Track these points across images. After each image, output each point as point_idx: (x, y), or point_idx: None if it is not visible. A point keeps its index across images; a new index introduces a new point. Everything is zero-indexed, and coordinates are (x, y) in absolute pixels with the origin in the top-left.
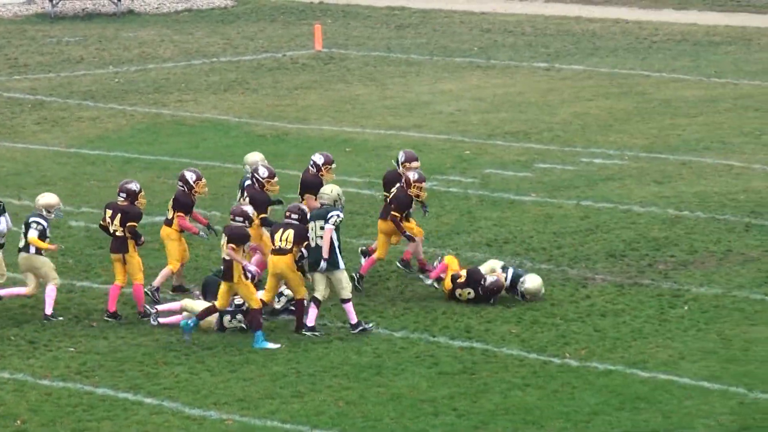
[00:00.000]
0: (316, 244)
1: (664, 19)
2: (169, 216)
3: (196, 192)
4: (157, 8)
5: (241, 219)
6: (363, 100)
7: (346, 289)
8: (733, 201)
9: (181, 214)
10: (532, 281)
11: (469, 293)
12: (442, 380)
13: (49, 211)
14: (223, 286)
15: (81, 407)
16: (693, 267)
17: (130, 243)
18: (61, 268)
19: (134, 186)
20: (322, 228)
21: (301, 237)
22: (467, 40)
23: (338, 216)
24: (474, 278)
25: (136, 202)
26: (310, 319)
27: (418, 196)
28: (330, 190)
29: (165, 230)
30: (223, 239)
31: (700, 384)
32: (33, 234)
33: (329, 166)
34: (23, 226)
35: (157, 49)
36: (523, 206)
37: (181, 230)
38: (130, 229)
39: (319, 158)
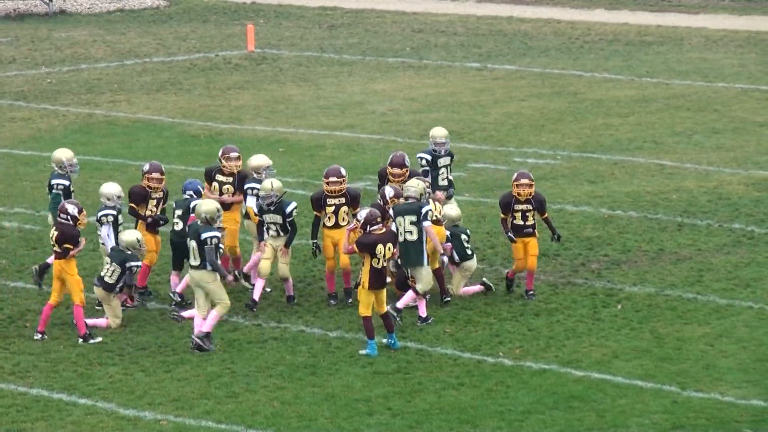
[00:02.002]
0: (405, 239)
1: (596, 19)
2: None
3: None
4: (89, 8)
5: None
6: (296, 100)
7: (427, 285)
8: (666, 200)
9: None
10: (451, 209)
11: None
12: (376, 380)
13: None
14: None
15: (15, 408)
16: (626, 266)
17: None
18: None
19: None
20: (412, 223)
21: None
22: (399, 40)
23: (431, 210)
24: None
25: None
26: (422, 310)
27: None
28: (416, 184)
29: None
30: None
31: (633, 383)
32: None
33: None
34: None
35: (89, 50)
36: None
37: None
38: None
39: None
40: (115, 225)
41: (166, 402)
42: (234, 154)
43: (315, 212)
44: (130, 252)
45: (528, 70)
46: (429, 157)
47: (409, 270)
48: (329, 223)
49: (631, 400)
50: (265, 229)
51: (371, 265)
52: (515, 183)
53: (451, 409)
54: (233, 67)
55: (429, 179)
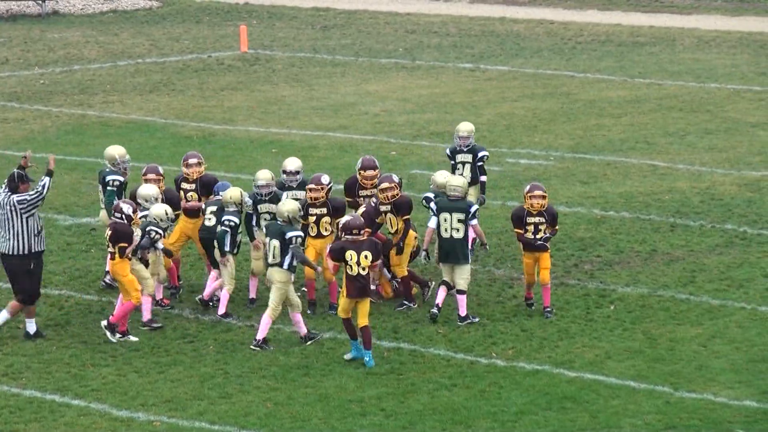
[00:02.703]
0: (451, 235)
1: (589, 20)
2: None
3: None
4: (82, 9)
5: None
6: (289, 101)
7: (467, 281)
8: (658, 201)
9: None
10: (442, 175)
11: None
12: (369, 381)
13: None
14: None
15: (8, 409)
16: (619, 267)
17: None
18: None
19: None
20: (460, 221)
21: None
22: (392, 41)
23: (478, 209)
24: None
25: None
26: (461, 308)
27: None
28: (462, 183)
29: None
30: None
31: (626, 383)
32: None
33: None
34: None
35: (82, 50)
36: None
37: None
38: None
39: (357, 163)
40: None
41: (159, 403)
42: (193, 160)
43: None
44: (156, 221)
45: (520, 71)
46: (449, 151)
47: (450, 266)
48: (312, 233)
49: (623, 401)
50: (255, 221)
51: (346, 272)
52: (528, 195)
53: (444, 409)
54: (226, 67)
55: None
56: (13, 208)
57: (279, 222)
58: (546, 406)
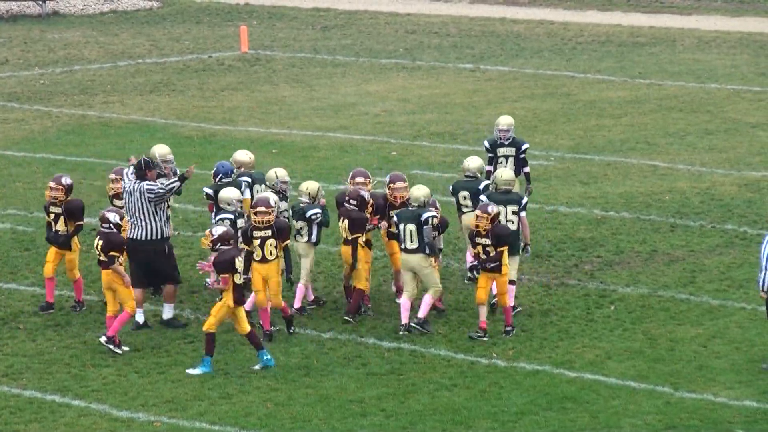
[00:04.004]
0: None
1: (589, 20)
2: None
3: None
4: (82, 10)
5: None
6: (289, 101)
7: (516, 271)
8: (658, 201)
9: None
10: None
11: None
12: (370, 381)
13: None
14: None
15: (8, 410)
16: (619, 267)
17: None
18: None
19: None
20: (514, 213)
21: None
22: (392, 41)
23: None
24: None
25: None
26: (510, 298)
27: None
28: (511, 176)
29: None
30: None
31: (626, 384)
32: None
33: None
34: None
35: (82, 51)
36: (450, 207)
37: None
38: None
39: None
40: (234, 229)
41: (159, 403)
42: (51, 183)
43: (244, 245)
44: (227, 206)
45: (521, 71)
46: (488, 144)
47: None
48: (257, 257)
49: (624, 401)
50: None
51: (233, 281)
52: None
53: (445, 410)
54: (226, 68)
55: (491, 167)
56: (142, 195)
57: (413, 206)
58: (546, 407)
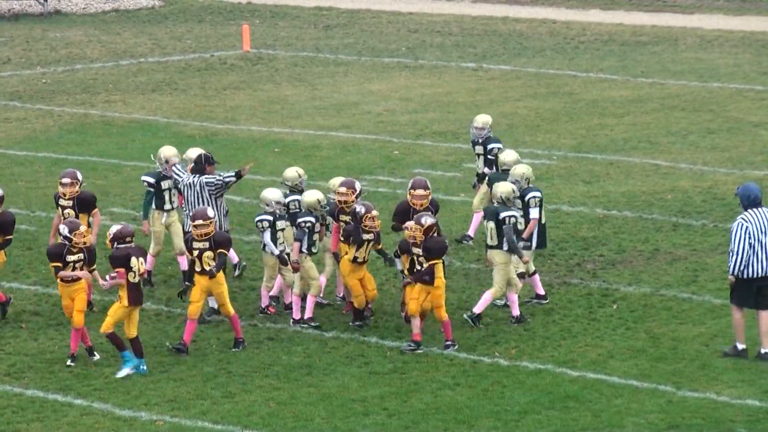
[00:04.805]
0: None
1: (591, 19)
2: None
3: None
4: (84, 8)
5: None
6: (292, 100)
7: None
8: (661, 200)
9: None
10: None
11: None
12: (372, 380)
13: None
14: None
15: (11, 409)
16: (621, 266)
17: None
18: None
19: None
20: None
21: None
22: (395, 40)
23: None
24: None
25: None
26: (539, 287)
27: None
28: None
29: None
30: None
31: (629, 383)
32: None
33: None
34: None
35: (84, 50)
36: (452, 206)
37: None
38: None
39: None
40: (273, 230)
41: (162, 402)
42: (66, 180)
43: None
44: (266, 207)
45: (523, 70)
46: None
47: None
48: (197, 268)
49: (626, 400)
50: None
51: (128, 279)
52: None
53: (447, 409)
54: (229, 67)
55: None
56: (203, 189)
57: (494, 204)
58: (549, 405)
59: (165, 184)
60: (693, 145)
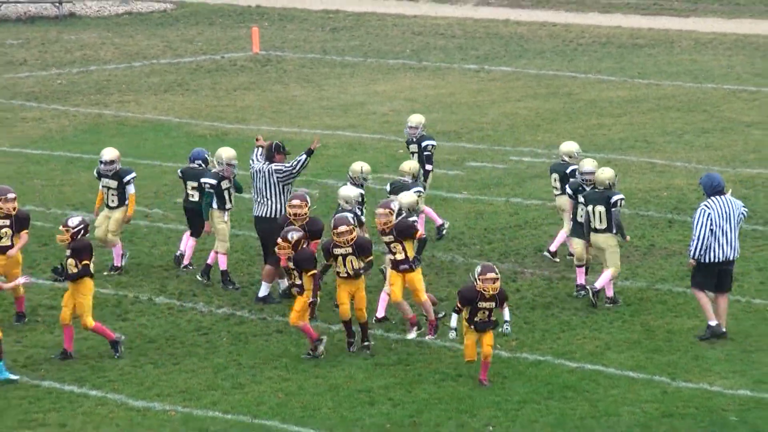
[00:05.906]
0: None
1: (590, 22)
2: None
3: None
4: (98, 12)
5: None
6: (300, 101)
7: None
8: (657, 198)
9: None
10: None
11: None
12: (378, 371)
13: None
14: None
15: (28, 399)
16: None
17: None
18: None
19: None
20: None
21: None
22: (400, 42)
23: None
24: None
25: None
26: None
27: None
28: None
29: None
30: None
31: (625, 373)
32: None
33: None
34: None
35: (98, 52)
36: (455, 203)
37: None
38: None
39: None
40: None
41: (174, 393)
42: (11, 195)
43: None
44: (344, 204)
45: (524, 72)
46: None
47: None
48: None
49: (622, 390)
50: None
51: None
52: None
53: (450, 399)
54: (239, 68)
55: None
56: (270, 176)
57: (600, 188)
58: (548, 396)
59: (224, 184)
60: (688, 144)
